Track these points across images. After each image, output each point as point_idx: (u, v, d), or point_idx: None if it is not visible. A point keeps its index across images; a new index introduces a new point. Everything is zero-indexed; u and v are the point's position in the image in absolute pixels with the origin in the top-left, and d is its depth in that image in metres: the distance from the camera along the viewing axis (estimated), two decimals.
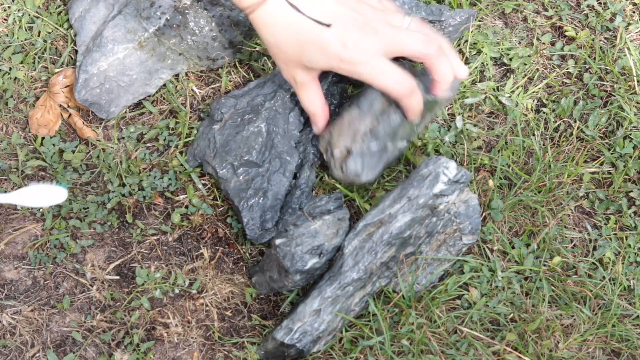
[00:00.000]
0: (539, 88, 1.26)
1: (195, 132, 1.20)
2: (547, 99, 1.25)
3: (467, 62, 1.25)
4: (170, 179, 1.19)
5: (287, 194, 1.16)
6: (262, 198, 1.14)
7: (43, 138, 1.21)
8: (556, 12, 1.32)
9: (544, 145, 1.22)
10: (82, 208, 1.17)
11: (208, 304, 1.13)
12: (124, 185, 1.18)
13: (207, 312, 1.13)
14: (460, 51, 1.27)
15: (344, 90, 1.21)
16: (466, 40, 1.27)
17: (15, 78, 1.24)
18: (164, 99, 1.24)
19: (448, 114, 1.23)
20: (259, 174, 1.15)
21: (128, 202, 1.18)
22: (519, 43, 1.29)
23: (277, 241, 1.06)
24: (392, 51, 1.04)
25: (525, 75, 1.26)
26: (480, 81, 1.25)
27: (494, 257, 1.14)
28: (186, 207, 1.18)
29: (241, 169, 1.14)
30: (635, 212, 1.19)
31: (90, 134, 1.21)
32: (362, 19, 1.03)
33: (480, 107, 1.24)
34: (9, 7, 1.28)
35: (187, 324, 1.12)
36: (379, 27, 1.03)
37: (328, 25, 1.02)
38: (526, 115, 1.23)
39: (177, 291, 1.14)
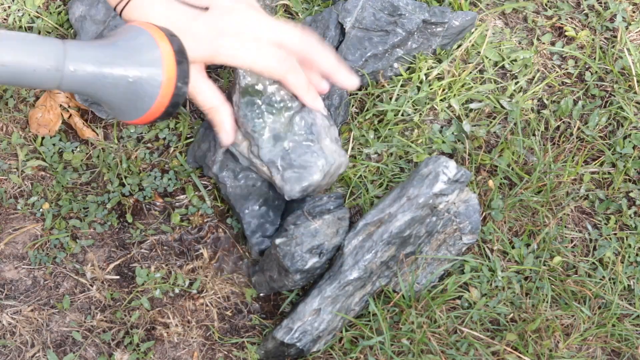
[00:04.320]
0: (540, 88, 1.26)
1: (196, 132, 1.20)
2: (547, 99, 1.25)
3: (467, 64, 1.25)
4: (170, 179, 1.19)
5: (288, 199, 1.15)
6: (263, 204, 1.13)
7: (43, 138, 1.21)
8: (556, 12, 1.32)
9: (544, 145, 1.22)
10: (82, 208, 1.17)
11: (208, 304, 1.13)
12: (124, 185, 1.18)
13: (207, 312, 1.13)
14: (464, 51, 1.27)
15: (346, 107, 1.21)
16: (467, 41, 1.27)
17: None
18: None
19: (450, 113, 1.23)
20: (259, 179, 1.14)
21: (128, 202, 1.18)
22: (519, 43, 1.29)
23: (277, 241, 1.06)
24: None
25: (525, 76, 1.26)
26: (481, 84, 1.25)
27: (494, 257, 1.14)
28: (186, 207, 1.18)
29: (242, 173, 1.14)
30: (635, 212, 1.19)
31: (90, 134, 1.21)
32: (239, 7, 1.00)
33: (481, 108, 1.24)
34: (9, 7, 1.28)
35: (187, 324, 1.12)
36: (258, 16, 1.00)
37: (205, 9, 0.98)
38: (526, 115, 1.23)
39: (177, 291, 1.14)
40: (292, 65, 1.03)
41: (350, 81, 1.06)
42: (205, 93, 1.03)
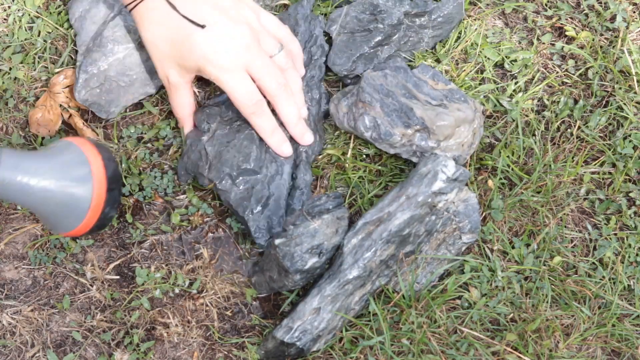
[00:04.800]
0: (539, 88, 1.26)
1: (183, 143, 1.19)
2: (547, 99, 1.25)
3: (466, 63, 1.25)
4: (170, 179, 1.19)
5: (287, 196, 1.15)
6: (265, 205, 1.13)
7: (43, 138, 1.21)
8: (556, 12, 1.32)
9: (544, 145, 1.22)
10: None
11: (208, 304, 1.13)
12: (124, 185, 1.18)
13: (207, 312, 1.13)
14: (463, 51, 1.27)
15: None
16: (466, 41, 1.27)
17: (15, 78, 1.24)
18: (164, 99, 1.24)
19: None
20: (258, 180, 1.14)
21: (128, 202, 1.18)
22: (519, 43, 1.29)
23: (277, 241, 1.06)
24: (250, 73, 1.10)
25: (525, 76, 1.26)
26: (480, 84, 1.25)
27: (494, 256, 1.14)
28: (186, 207, 1.18)
29: (240, 178, 1.13)
30: (635, 212, 1.19)
31: (90, 134, 1.21)
32: (236, 32, 1.09)
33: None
34: (9, 7, 1.28)
35: (187, 324, 1.12)
36: (250, 44, 1.09)
37: (202, 27, 1.07)
38: (527, 115, 1.23)
39: (177, 291, 1.14)
40: (260, 109, 1.12)
41: (303, 139, 1.17)
42: (183, 104, 1.17)
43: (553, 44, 1.30)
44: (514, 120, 1.22)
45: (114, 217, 0.95)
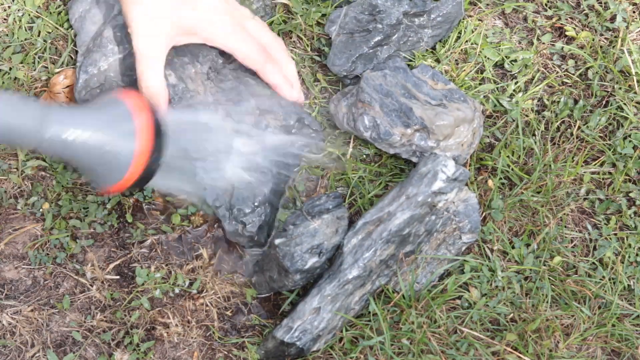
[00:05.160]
0: (539, 88, 1.26)
1: None
2: (547, 99, 1.25)
3: (466, 63, 1.25)
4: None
5: None
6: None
7: None
8: (556, 12, 1.32)
9: (544, 145, 1.22)
10: (82, 208, 1.17)
11: (208, 304, 1.13)
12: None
13: (207, 312, 1.13)
14: (463, 51, 1.27)
15: None
16: (466, 40, 1.27)
17: (15, 78, 1.24)
18: None
19: None
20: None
21: (128, 202, 1.18)
22: (519, 43, 1.29)
23: (277, 241, 1.06)
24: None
25: (525, 76, 1.26)
26: (480, 84, 1.25)
27: (494, 256, 1.14)
28: (186, 207, 1.18)
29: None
30: (635, 212, 1.19)
31: None
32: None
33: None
34: (9, 7, 1.28)
35: (187, 324, 1.12)
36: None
37: None
38: (527, 115, 1.23)
39: (177, 291, 1.14)
40: (269, 56, 1.10)
41: (294, 95, 1.14)
42: (159, 77, 1.08)
43: (553, 44, 1.30)
44: (514, 120, 1.22)
45: (160, 165, 0.94)
